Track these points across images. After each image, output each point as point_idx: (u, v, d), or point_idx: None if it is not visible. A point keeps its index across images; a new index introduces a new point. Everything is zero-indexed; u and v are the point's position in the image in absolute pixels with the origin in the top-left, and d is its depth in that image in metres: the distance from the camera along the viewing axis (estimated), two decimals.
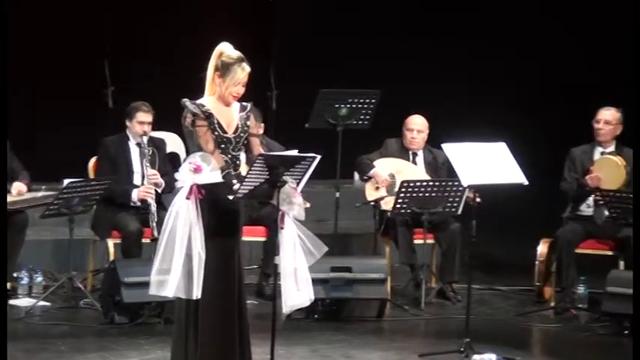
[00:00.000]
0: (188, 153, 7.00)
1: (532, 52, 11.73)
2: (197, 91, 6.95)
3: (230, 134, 6.96)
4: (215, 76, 6.99)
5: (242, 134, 6.98)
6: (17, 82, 10.14)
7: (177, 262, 6.84)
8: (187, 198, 6.90)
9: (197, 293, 6.84)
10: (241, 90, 7.01)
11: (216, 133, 6.91)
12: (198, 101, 6.95)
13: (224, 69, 6.99)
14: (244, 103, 7.05)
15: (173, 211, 6.88)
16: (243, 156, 7.23)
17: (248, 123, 7.02)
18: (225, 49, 7.05)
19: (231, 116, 7.00)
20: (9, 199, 9.02)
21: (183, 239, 6.86)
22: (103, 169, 9.45)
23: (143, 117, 9.34)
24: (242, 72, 6.99)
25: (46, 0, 10.72)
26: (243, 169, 8.00)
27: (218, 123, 6.93)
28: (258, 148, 7.12)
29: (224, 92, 6.99)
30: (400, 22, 11.76)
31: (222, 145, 6.93)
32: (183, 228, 6.87)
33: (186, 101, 6.94)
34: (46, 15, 10.64)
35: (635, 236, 8.71)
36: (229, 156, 6.97)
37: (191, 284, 6.85)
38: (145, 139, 9.28)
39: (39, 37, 10.71)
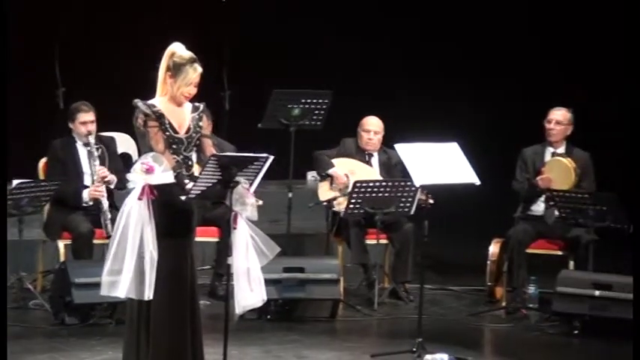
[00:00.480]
0: (140, 153, 6.99)
1: (484, 53, 11.78)
2: (149, 92, 6.92)
3: (182, 134, 6.96)
4: (166, 76, 6.98)
5: (194, 134, 6.99)
6: None
7: (128, 262, 6.82)
8: (139, 198, 6.88)
9: (149, 294, 6.82)
10: (193, 90, 7.00)
11: (168, 133, 6.91)
12: (150, 101, 6.94)
13: (175, 69, 6.98)
14: (197, 104, 7.04)
15: (125, 212, 6.86)
16: (195, 156, 7.22)
17: (200, 124, 7.03)
18: (177, 50, 7.04)
19: (182, 117, 7.00)
20: None
21: (135, 240, 6.84)
22: (52, 171, 9.43)
23: (84, 117, 9.31)
24: (194, 72, 6.99)
25: None
26: (196, 170, 7.99)
27: (169, 123, 6.92)
28: (210, 149, 7.13)
29: (176, 92, 6.98)
30: (354, 22, 11.76)
31: (174, 146, 6.93)
32: (135, 228, 6.85)
33: (138, 101, 6.93)
34: None
35: (636, 236, 8.72)
36: (181, 156, 6.98)
37: (143, 285, 6.83)
38: (92, 138, 9.24)
39: None
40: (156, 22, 10.84)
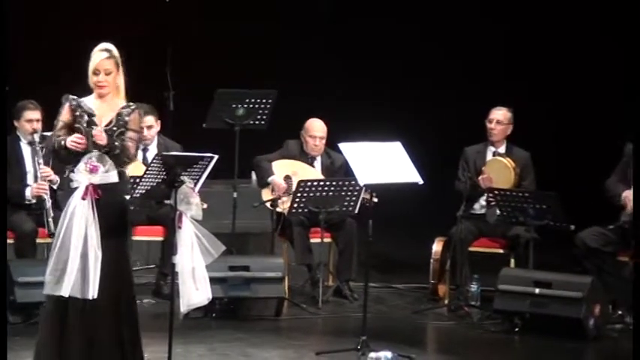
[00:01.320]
0: None
1: (425, 54, 11.79)
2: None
3: (101, 127, 6.89)
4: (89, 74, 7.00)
5: (114, 128, 6.89)
6: None
7: (72, 261, 6.81)
8: (83, 198, 6.87)
9: (93, 293, 6.80)
10: (102, 78, 6.91)
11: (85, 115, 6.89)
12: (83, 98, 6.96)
13: (89, 61, 6.96)
14: (131, 103, 6.99)
15: (69, 212, 6.86)
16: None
17: (126, 119, 6.93)
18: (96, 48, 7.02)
19: (106, 112, 6.95)
20: None
21: (79, 239, 6.83)
22: None
23: (31, 114, 9.28)
24: (96, 56, 6.92)
25: None
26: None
27: (88, 111, 6.89)
28: (128, 143, 6.96)
29: (91, 84, 6.95)
30: (300, 23, 11.77)
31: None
32: (79, 227, 6.84)
33: (63, 97, 6.96)
34: None
35: (636, 235, 8.70)
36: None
37: (86, 284, 6.81)
38: (37, 136, 9.19)
39: None
40: (99, 23, 10.85)
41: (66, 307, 6.90)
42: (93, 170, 6.88)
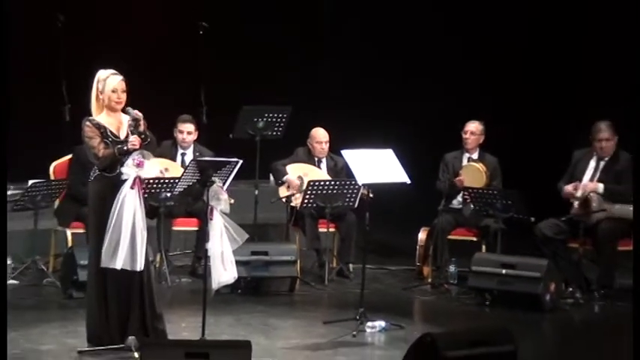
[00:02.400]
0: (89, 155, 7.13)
1: (412, 75, 11.66)
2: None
3: (121, 137, 7.05)
4: (97, 95, 7.06)
5: (132, 130, 7.04)
6: None
7: (123, 240, 6.91)
8: (132, 188, 6.98)
9: (140, 266, 6.92)
10: (122, 96, 7.05)
11: (110, 139, 7.01)
12: (94, 119, 7.05)
13: (101, 85, 7.05)
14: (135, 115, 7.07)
15: (120, 199, 6.95)
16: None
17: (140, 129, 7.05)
18: (99, 74, 7.12)
19: (119, 124, 7.08)
20: None
21: (128, 221, 6.93)
22: (75, 170, 9.25)
23: None
24: (114, 80, 7.05)
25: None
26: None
27: (110, 130, 7.02)
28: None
29: (108, 103, 7.05)
30: (304, 50, 11.72)
31: (118, 145, 7.01)
32: (128, 212, 6.93)
33: (84, 119, 7.06)
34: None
35: (636, 237, 8.62)
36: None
37: (135, 258, 6.93)
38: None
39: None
40: (142, 49, 10.84)
41: (105, 279, 7.04)
42: (139, 165, 7.00)
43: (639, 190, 8.68)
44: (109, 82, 7.06)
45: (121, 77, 7.09)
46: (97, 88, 7.09)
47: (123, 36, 10.91)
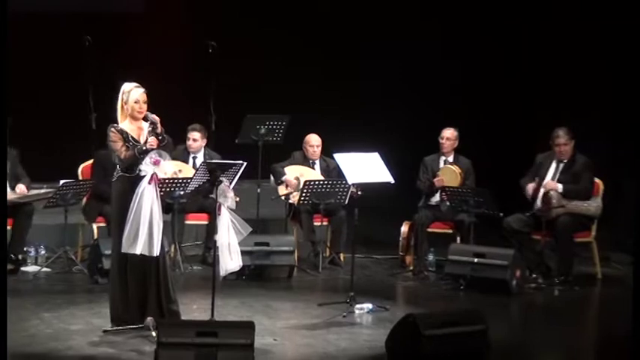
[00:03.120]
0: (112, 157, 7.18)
1: (397, 88, 11.61)
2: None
3: (141, 142, 7.09)
4: (122, 105, 7.11)
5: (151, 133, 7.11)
6: (30, 109, 10.10)
7: (142, 228, 6.94)
8: (149, 183, 7.02)
9: (157, 251, 6.96)
10: (144, 107, 7.11)
11: (130, 143, 7.06)
12: (118, 125, 7.11)
13: (125, 97, 7.11)
14: (153, 123, 7.11)
15: (139, 192, 7.00)
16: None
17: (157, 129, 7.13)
18: (124, 86, 7.17)
19: (140, 131, 7.13)
20: (17, 195, 8.95)
21: (146, 212, 6.96)
22: (97, 172, 9.29)
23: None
24: (137, 92, 7.11)
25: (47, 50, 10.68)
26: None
27: (131, 136, 7.07)
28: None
29: (131, 112, 7.10)
30: (301, 62, 11.59)
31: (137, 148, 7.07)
32: (146, 204, 6.97)
33: (110, 126, 7.12)
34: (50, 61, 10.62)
35: (636, 238, 8.61)
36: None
37: (152, 245, 6.97)
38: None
39: (39, 77, 10.64)
40: (160, 67, 10.82)
41: (126, 266, 7.07)
42: (156, 163, 7.05)
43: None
44: (132, 94, 7.11)
45: (142, 90, 7.14)
46: (122, 99, 7.14)
47: (143, 54, 10.93)
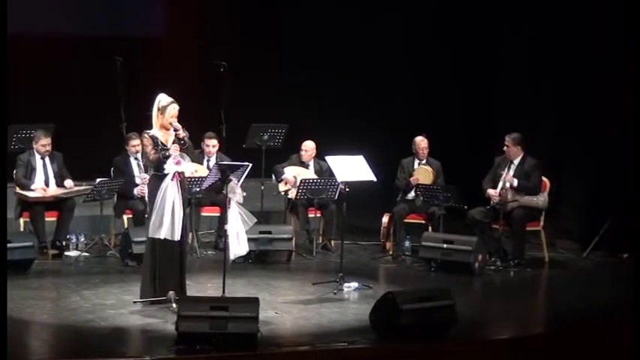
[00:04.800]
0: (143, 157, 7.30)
1: (378, 98, 11.51)
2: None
3: (169, 147, 7.13)
4: (158, 114, 7.14)
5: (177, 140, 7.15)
6: (72, 119, 10.08)
7: (166, 217, 6.99)
8: (172, 180, 7.05)
9: (178, 236, 6.99)
10: (175, 119, 7.12)
11: (159, 147, 7.09)
12: (151, 132, 7.14)
13: (162, 109, 7.13)
14: (179, 135, 7.13)
15: (163, 187, 7.06)
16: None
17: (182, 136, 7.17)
18: (162, 98, 7.18)
19: (168, 138, 7.16)
20: (66, 190, 8.94)
21: (169, 204, 7.01)
22: (115, 175, 9.32)
23: (134, 142, 9.11)
24: (173, 109, 7.14)
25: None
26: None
27: (161, 142, 7.11)
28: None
29: (165, 123, 7.12)
30: (300, 75, 11.44)
31: (164, 152, 7.11)
32: (169, 197, 7.02)
33: (145, 132, 7.16)
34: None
35: (636, 238, 8.63)
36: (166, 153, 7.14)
37: (174, 230, 7.02)
38: (139, 155, 9.08)
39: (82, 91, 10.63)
40: (178, 81, 10.75)
41: (155, 246, 7.10)
42: (178, 163, 7.11)
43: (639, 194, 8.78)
44: (169, 109, 7.13)
45: (177, 107, 7.15)
46: (159, 109, 7.13)
47: (164, 72, 10.89)
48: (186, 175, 7.47)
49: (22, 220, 8.97)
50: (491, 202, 9.12)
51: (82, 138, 10.26)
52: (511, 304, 7.93)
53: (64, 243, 9.06)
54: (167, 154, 7.08)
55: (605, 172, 9.71)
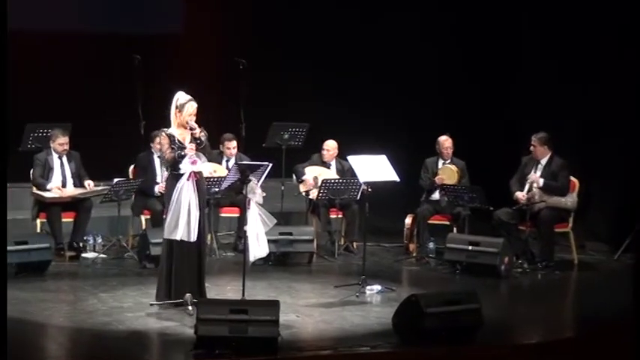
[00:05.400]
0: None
1: (402, 99, 11.51)
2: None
3: (186, 145, 7.15)
4: (176, 112, 7.15)
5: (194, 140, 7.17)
6: (89, 117, 10.15)
7: (182, 217, 7.01)
8: (188, 180, 7.08)
9: (194, 237, 7.01)
10: (193, 118, 7.14)
11: (177, 144, 7.12)
12: (168, 130, 7.17)
13: (180, 107, 7.14)
14: (196, 134, 7.14)
15: (179, 187, 7.09)
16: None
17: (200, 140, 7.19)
18: (180, 96, 7.19)
19: (185, 136, 7.19)
20: (85, 190, 8.97)
21: (185, 204, 7.04)
22: (138, 171, 9.39)
23: (158, 140, 8.96)
24: (191, 107, 7.15)
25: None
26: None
27: (178, 140, 7.13)
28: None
29: (183, 122, 7.14)
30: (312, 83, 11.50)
31: (181, 151, 7.13)
32: (185, 197, 7.05)
33: (162, 130, 7.19)
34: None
35: (636, 238, 8.71)
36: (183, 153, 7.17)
37: (190, 231, 7.04)
38: (159, 153, 9.10)
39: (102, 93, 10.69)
40: (196, 80, 10.80)
41: (172, 248, 7.12)
42: (194, 163, 7.13)
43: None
44: (187, 107, 7.14)
45: (196, 104, 7.17)
46: (177, 107, 7.15)
47: (183, 70, 10.93)
48: (205, 175, 7.49)
49: (38, 221, 9.04)
50: (519, 203, 9.10)
51: (99, 137, 10.31)
52: (539, 307, 7.90)
53: (81, 244, 9.11)
54: (182, 153, 7.10)
55: (636, 172, 9.62)
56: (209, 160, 7.62)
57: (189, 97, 7.20)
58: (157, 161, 9.37)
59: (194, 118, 7.19)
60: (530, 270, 8.99)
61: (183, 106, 7.14)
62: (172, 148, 7.15)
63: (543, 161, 9.20)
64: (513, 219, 9.16)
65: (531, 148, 9.18)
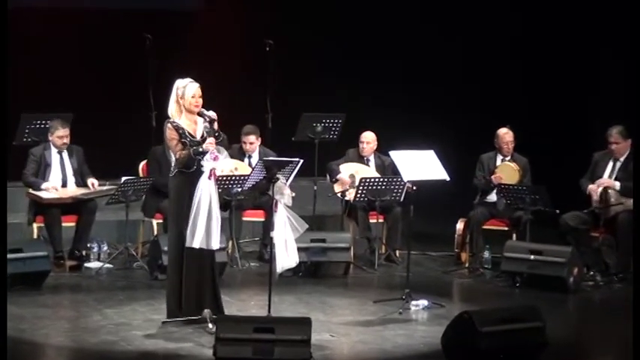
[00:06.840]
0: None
1: (461, 90, 11.52)
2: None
3: (198, 138, 7.11)
4: (177, 100, 7.12)
5: (206, 137, 7.12)
6: (91, 107, 10.17)
7: (201, 222, 6.98)
8: (209, 178, 7.06)
9: (215, 244, 6.99)
10: (199, 101, 7.10)
11: (188, 139, 7.08)
12: (174, 121, 7.12)
13: (181, 92, 7.11)
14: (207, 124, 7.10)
15: (199, 187, 7.06)
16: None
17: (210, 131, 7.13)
18: (178, 82, 7.18)
19: (196, 127, 7.14)
20: (84, 191, 8.99)
21: (206, 205, 7.01)
22: (152, 167, 9.34)
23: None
24: (193, 87, 7.12)
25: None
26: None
27: (188, 132, 7.09)
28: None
29: (188, 107, 7.10)
30: (355, 66, 11.56)
31: (193, 146, 7.08)
32: (205, 197, 7.02)
33: (167, 122, 7.15)
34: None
35: (636, 234, 8.59)
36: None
37: (210, 238, 7.01)
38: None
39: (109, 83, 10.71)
40: (220, 64, 10.86)
41: (182, 258, 7.10)
42: (215, 159, 7.10)
43: (639, 186, 8.61)
44: (188, 88, 7.14)
45: (197, 84, 7.16)
46: (177, 94, 7.15)
47: (201, 52, 10.98)
48: (225, 172, 7.45)
49: (35, 226, 9.04)
50: (592, 204, 9.00)
51: (104, 130, 10.37)
52: (614, 327, 7.83)
53: (83, 253, 9.10)
54: (200, 149, 7.05)
55: None
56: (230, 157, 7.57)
57: (188, 79, 7.19)
58: (172, 156, 9.36)
59: (200, 101, 7.14)
60: (603, 283, 8.91)
61: (184, 89, 7.13)
62: (183, 143, 7.10)
63: (622, 158, 9.11)
64: (584, 224, 9.06)
65: (612, 146, 9.04)
